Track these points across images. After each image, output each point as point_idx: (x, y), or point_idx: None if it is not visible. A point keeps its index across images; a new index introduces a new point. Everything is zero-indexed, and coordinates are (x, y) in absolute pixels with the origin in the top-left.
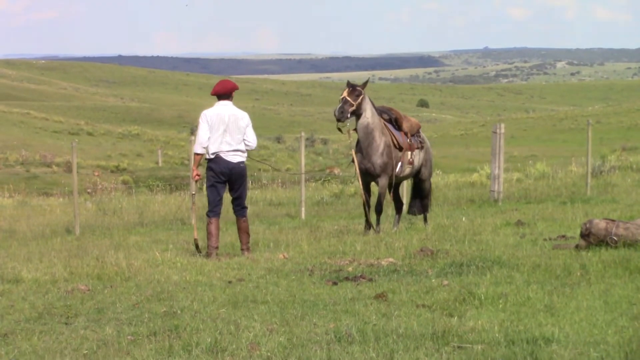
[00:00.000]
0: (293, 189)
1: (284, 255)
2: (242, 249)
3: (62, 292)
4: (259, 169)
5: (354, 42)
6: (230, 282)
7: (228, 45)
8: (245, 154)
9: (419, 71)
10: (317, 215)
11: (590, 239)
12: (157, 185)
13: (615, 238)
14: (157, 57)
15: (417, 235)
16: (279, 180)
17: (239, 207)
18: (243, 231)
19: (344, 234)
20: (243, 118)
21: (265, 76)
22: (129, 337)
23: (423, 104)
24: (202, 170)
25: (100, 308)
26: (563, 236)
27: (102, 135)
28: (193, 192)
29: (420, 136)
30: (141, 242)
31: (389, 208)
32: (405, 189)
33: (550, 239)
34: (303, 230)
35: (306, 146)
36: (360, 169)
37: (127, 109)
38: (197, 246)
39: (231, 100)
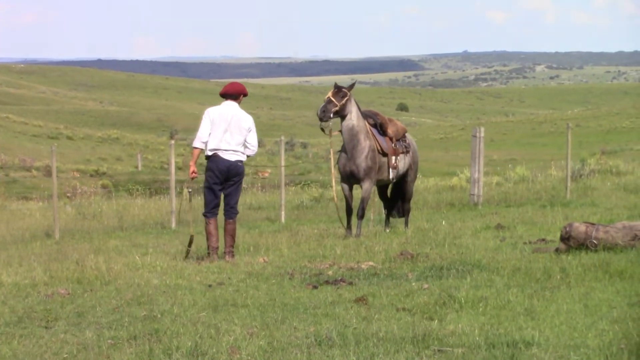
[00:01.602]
0: (273, 192)
1: (264, 259)
2: (224, 252)
3: (42, 296)
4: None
5: (333, 46)
6: (210, 285)
7: (207, 49)
8: (245, 155)
9: (399, 75)
10: (297, 219)
11: (570, 242)
12: (137, 189)
13: (595, 241)
14: (137, 60)
15: (397, 239)
16: (259, 184)
17: (229, 206)
18: (228, 234)
19: (324, 237)
20: (246, 120)
21: (245, 80)
22: (109, 341)
23: (402, 107)
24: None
25: (80, 312)
26: (543, 240)
27: (81, 140)
28: (189, 190)
29: (405, 141)
30: (121, 246)
31: (368, 212)
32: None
33: (530, 243)
34: (283, 234)
35: (286, 150)
36: (345, 171)
37: (106, 112)
38: (190, 243)
39: (238, 102)
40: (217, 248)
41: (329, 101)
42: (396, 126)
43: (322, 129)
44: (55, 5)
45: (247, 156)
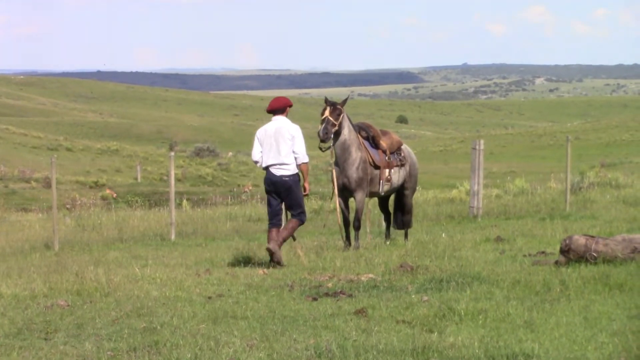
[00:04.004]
0: None
1: (263, 271)
2: (272, 238)
3: (42, 307)
4: (238, 185)
5: (332, 58)
6: (209, 297)
7: (207, 61)
8: (292, 166)
9: (398, 87)
10: (296, 231)
11: (570, 255)
12: (136, 201)
13: (594, 254)
14: (136, 72)
15: (397, 251)
16: (259, 196)
17: (294, 213)
18: (286, 226)
19: (323, 249)
20: (289, 130)
21: (245, 92)
22: (108, 352)
23: (402, 120)
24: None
25: (79, 324)
26: (542, 252)
27: (81, 151)
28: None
29: (401, 154)
30: (120, 258)
31: (366, 224)
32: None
33: (529, 255)
34: (283, 246)
35: None
36: (338, 184)
37: (106, 124)
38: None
39: (284, 115)
40: (278, 241)
41: (328, 121)
42: (391, 139)
43: (321, 148)
44: (55, 16)
45: (297, 165)
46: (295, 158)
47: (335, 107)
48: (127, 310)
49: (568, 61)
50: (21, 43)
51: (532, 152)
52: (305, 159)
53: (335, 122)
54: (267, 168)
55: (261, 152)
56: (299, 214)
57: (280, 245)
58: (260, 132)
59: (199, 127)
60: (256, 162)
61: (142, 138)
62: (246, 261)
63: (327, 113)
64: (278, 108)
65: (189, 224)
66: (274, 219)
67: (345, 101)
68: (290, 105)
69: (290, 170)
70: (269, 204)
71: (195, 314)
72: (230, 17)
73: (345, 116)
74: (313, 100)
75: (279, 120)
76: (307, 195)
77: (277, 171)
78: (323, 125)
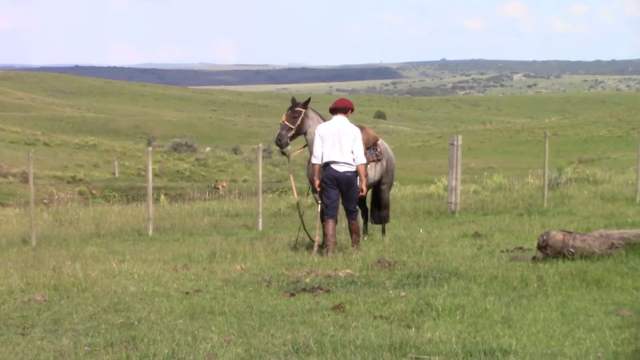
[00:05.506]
0: (250, 200)
1: (241, 267)
2: (352, 245)
3: (19, 302)
4: (216, 180)
5: (311, 54)
6: (187, 293)
7: (185, 56)
8: (354, 165)
9: (376, 83)
10: (274, 227)
11: (547, 250)
12: (114, 196)
13: (572, 250)
14: (114, 67)
15: (375, 247)
16: (236, 191)
17: (348, 211)
18: (353, 232)
19: (301, 245)
20: (352, 131)
21: (222, 87)
22: (85, 348)
23: (380, 115)
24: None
25: (56, 319)
26: (520, 248)
27: (58, 146)
28: (319, 201)
29: (377, 149)
30: (98, 253)
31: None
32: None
33: (507, 251)
34: (260, 242)
35: (263, 157)
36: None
37: (83, 119)
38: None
39: (346, 116)
40: (335, 243)
41: (284, 126)
42: (367, 135)
43: (284, 153)
44: (32, 11)
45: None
46: (354, 159)
47: (294, 110)
48: (104, 305)
49: (546, 57)
50: None
51: (510, 147)
52: (363, 160)
53: (292, 127)
54: (327, 164)
55: (322, 147)
56: (353, 212)
57: (358, 246)
58: (322, 129)
59: (177, 122)
60: (315, 159)
61: (120, 133)
62: (224, 256)
63: (284, 117)
64: (342, 108)
65: (167, 219)
66: (331, 211)
67: (306, 102)
68: (352, 109)
69: (352, 167)
70: (328, 196)
71: (173, 310)
72: (208, 12)
73: (310, 115)
74: (291, 96)
75: (341, 121)
76: (363, 196)
77: (339, 167)
78: (278, 130)
